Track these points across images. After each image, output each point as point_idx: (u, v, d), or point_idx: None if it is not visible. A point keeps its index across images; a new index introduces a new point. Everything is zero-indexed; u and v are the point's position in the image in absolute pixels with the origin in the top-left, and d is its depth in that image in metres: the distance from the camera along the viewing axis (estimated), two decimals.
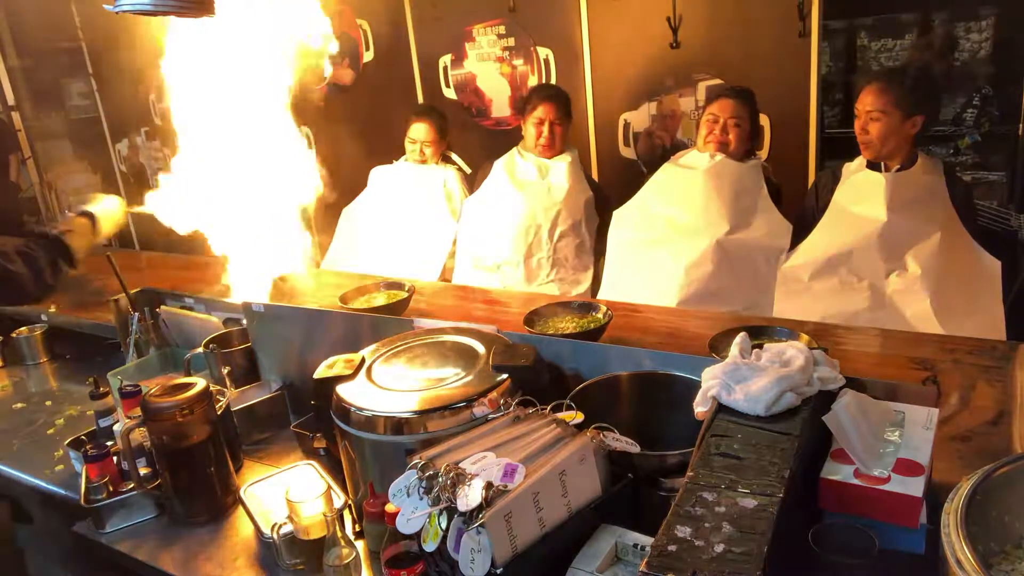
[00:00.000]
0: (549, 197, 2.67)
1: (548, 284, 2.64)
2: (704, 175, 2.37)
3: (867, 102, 2.14)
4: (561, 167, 2.72)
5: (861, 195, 2.16)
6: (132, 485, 1.44)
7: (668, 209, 2.40)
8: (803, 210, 2.38)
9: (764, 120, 2.83)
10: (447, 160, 3.13)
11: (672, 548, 0.81)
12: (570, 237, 2.66)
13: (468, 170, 3.10)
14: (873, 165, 2.19)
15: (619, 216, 2.51)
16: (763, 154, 2.87)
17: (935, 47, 2.17)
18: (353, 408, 1.24)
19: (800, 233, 2.29)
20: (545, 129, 2.70)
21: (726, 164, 2.37)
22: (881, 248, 2.08)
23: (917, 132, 2.13)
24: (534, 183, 2.72)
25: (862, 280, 2.09)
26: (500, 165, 2.82)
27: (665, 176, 2.49)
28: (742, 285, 2.24)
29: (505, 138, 3.28)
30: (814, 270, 2.16)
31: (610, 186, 2.91)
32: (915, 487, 0.94)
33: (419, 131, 3.02)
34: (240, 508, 1.42)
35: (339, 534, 1.18)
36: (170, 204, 2.02)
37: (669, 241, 2.33)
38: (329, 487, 1.29)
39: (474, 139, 3.56)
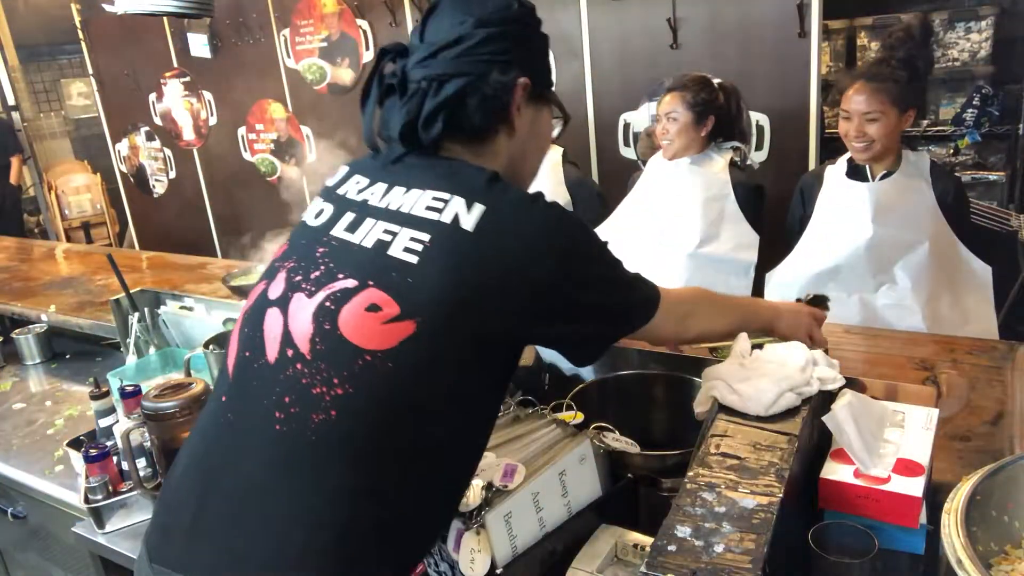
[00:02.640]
0: None
1: None
2: (670, 184, 2.31)
3: (861, 103, 2.02)
4: (539, 171, 2.64)
5: (844, 208, 2.09)
6: (132, 485, 1.44)
7: (641, 221, 2.36)
8: (790, 216, 2.32)
9: (764, 120, 2.83)
10: None
11: (672, 548, 0.81)
12: None
13: None
14: (855, 167, 2.11)
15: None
16: (762, 154, 2.87)
17: (915, 37, 2.08)
18: None
19: (789, 241, 2.26)
20: None
21: (691, 171, 2.29)
22: (869, 262, 2.03)
23: (909, 126, 2.08)
24: None
25: (852, 295, 2.06)
26: None
27: (635, 190, 2.44)
28: None
29: None
30: (801, 286, 2.11)
31: (610, 186, 2.90)
32: (915, 487, 0.94)
33: None
34: None
35: None
36: None
37: (643, 255, 2.30)
38: None
39: None
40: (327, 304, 0.88)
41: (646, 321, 1.02)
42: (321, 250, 0.94)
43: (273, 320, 0.91)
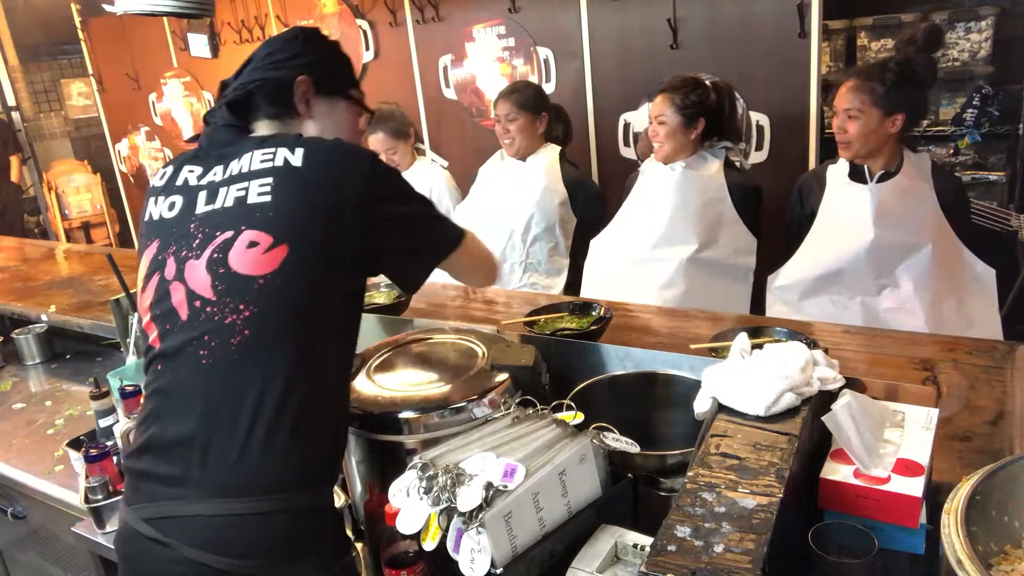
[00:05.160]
0: (522, 200, 2.62)
1: (520, 289, 2.61)
2: (666, 188, 2.29)
3: (844, 100, 2.03)
4: (536, 169, 2.65)
5: (846, 210, 2.08)
6: None
7: (639, 227, 2.35)
8: (789, 216, 2.31)
9: (764, 120, 2.83)
10: (420, 153, 3.13)
11: (672, 548, 0.81)
12: (543, 241, 2.62)
13: (445, 163, 3.12)
14: (856, 168, 2.10)
15: (596, 245, 2.47)
16: (762, 154, 2.87)
17: (918, 43, 2.05)
18: (353, 408, 1.24)
19: (789, 241, 2.25)
20: (500, 128, 2.63)
21: (685, 174, 2.28)
22: (871, 264, 2.02)
23: (899, 131, 2.03)
24: (508, 186, 2.68)
25: (854, 298, 2.05)
26: (482, 170, 2.81)
27: (633, 194, 2.44)
28: (713, 304, 2.21)
29: None
30: (803, 290, 2.11)
31: (610, 186, 2.90)
32: (915, 487, 0.94)
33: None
34: None
35: None
36: None
37: (643, 261, 2.30)
38: None
39: (474, 139, 3.56)
40: (215, 255, 1.09)
41: (459, 236, 1.27)
42: (192, 226, 1.14)
43: (176, 290, 1.11)
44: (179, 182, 1.20)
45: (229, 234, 1.10)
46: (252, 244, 1.08)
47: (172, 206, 1.18)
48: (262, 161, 1.14)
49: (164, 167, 1.26)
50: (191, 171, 1.21)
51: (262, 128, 1.27)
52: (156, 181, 1.25)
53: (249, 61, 1.30)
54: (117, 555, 1.14)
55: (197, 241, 1.12)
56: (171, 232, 1.16)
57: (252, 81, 1.26)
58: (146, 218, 1.22)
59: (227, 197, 1.14)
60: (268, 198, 1.11)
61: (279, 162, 1.13)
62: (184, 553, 1.02)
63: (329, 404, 1.14)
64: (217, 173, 1.18)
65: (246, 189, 1.13)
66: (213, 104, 1.30)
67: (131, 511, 1.08)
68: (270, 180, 1.12)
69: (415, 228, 1.24)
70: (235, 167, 1.16)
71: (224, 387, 1.06)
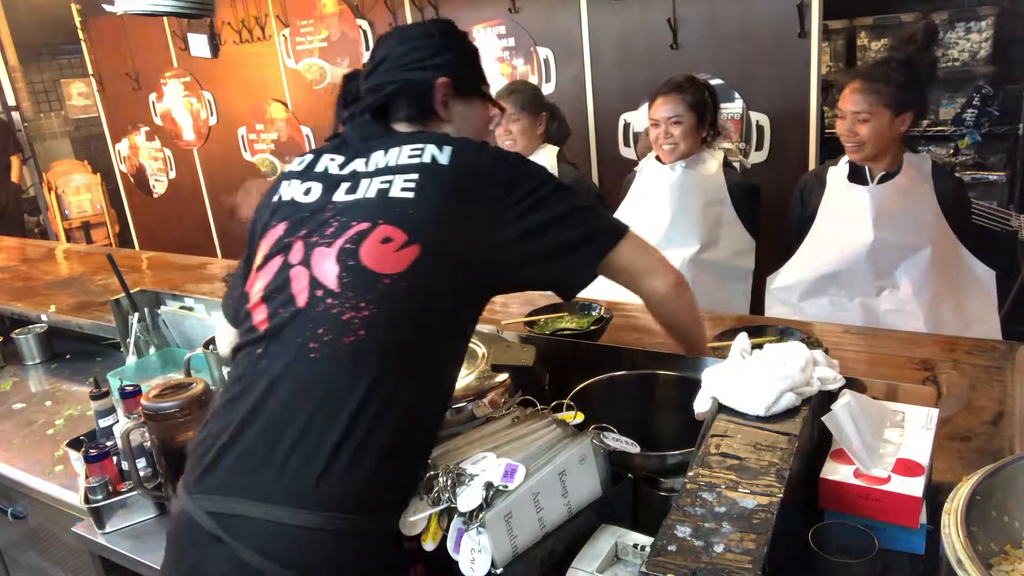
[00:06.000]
0: None
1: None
2: (666, 188, 2.28)
3: (853, 102, 2.01)
4: None
5: (846, 212, 2.08)
6: (132, 485, 1.44)
7: (639, 228, 2.34)
8: (790, 217, 2.31)
9: (764, 120, 2.83)
10: None
11: (672, 548, 0.81)
12: None
13: None
14: (856, 169, 2.10)
15: None
16: (762, 154, 2.87)
17: (917, 40, 2.05)
18: None
19: (789, 242, 2.25)
20: (501, 129, 2.61)
21: (685, 175, 2.27)
22: (871, 266, 2.02)
23: (907, 129, 2.03)
24: None
25: (853, 299, 2.05)
26: None
27: (632, 196, 2.43)
28: (714, 305, 2.21)
29: None
30: (803, 291, 2.11)
31: (610, 186, 2.90)
32: (915, 487, 0.94)
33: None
34: None
35: None
36: None
37: None
38: None
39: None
40: (347, 246, 1.06)
41: (621, 228, 1.26)
42: (328, 214, 1.11)
43: (298, 275, 1.07)
44: (319, 168, 1.19)
45: (365, 226, 1.06)
46: (386, 239, 1.05)
47: (308, 191, 1.16)
48: (410, 156, 1.12)
49: (303, 155, 1.25)
50: (332, 159, 1.19)
51: (402, 128, 1.25)
52: (293, 166, 1.23)
53: (383, 56, 1.27)
54: (167, 539, 1.07)
55: (331, 229, 1.08)
56: (304, 216, 1.13)
57: (391, 82, 1.24)
58: (275, 199, 1.20)
59: (369, 188, 1.11)
60: (411, 195, 1.08)
61: (427, 158, 1.11)
62: (241, 555, 0.95)
63: (422, 430, 1.07)
64: (360, 164, 1.16)
65: (390, 182, 1.10)
66: (343, 94, 1.31)
67: (193, 500, 1.00)
68: (416, 176, 1.09)
69: (569, 223, 1.16)
70: (380, 159, 1.14)
71: (326, 387, 1.00)
